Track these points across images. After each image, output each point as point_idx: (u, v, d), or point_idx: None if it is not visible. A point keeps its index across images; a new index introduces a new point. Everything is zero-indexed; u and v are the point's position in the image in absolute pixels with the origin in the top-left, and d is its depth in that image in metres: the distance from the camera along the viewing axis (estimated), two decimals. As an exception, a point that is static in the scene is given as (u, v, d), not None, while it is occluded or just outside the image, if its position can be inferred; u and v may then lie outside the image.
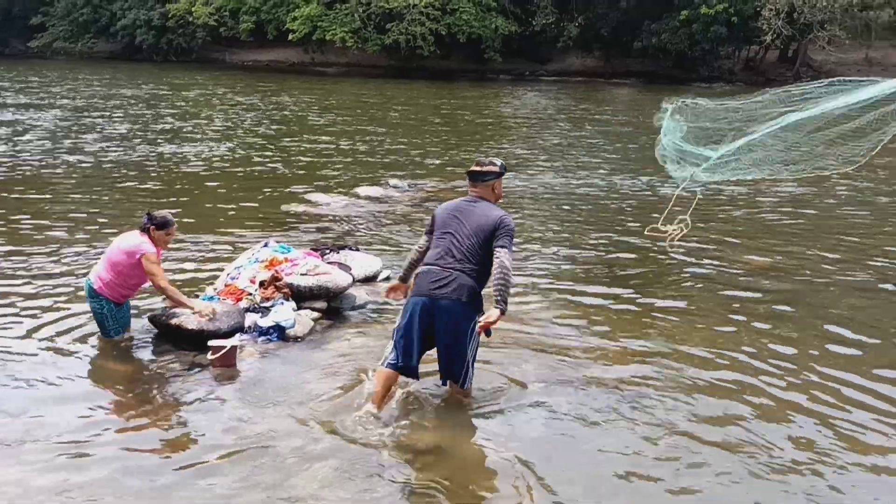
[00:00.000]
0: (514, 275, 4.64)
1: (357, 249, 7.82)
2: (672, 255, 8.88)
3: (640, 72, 41.69)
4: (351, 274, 6.86)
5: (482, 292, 4.83)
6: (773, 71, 41.82)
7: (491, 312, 4.54)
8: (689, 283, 7.87)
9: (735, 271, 8.24)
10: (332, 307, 6.61)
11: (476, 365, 5.02)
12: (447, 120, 23.43)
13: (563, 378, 5.55)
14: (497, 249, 4.64)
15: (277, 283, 6.41)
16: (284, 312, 6.12)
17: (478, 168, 4.91)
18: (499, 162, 4.92)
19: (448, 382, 5.02)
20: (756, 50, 42.12)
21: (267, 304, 6.24)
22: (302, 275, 6.54)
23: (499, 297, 4.53)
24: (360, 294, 6.91)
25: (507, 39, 42.27)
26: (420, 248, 5.08)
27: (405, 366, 4.86)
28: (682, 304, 7.27)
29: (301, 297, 6.46)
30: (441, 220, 4.88)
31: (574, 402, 5.18)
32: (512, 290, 4.82)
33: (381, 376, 4.94)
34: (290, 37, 42.35)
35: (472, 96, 31.27)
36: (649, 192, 12.73)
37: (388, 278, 7.47)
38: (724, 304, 7.23)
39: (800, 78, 39.72)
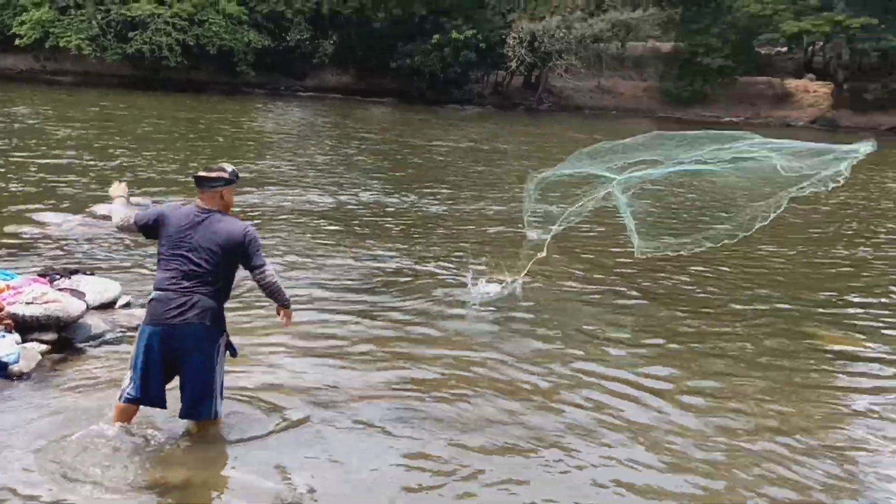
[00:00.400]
0: (273, 291, 4.62)
1: (92, 273, 7.17)
2: (431, 268, 9.11)
3: (396, 91, 42.51)
4: (85, 301, 6.27)
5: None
6: (519, 95, 44.64)
7: (284, 313, 4.69)
8: (444, 296, 8.08)
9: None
10: (64, 338, 5.98)
11: (226, 390, 4.76)
12: (204, 134, 22.47)
13: (326, 396, 5.43)
14: (256, 271, 4.48)
15: (-3, 314, 5.68)
16: (6, 346, 5.44)
17: (205, 174, 4.56)
18: (230, 168, 4.62)
19: (191, 419, 4.65)
20: (503, 75, 44.67)
21: (-16, 338, 5.49)
22: (27, 303, 5.88)
23: (279, 301, 4.65)
24: (96, 322, 6.31)
25: (261, 53, 41.36)
26: (134, 217, 4.62)
27: (146, 397, 4.50)
28: (444, 323, 7.34)
29: (27, 328, 5.81)
30: (170, 238, 4.48)
31: (339, 421, 5.08)
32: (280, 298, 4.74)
33: (118, 411, 4.56)
34: (18, 42, 38.61)
35: (230, 110, 30.21)
36: (412, 208, 13.02)
37: (128, 304, 6.91)
38: (483, 311, 7.56)
39: (542, 102, 42.88)
